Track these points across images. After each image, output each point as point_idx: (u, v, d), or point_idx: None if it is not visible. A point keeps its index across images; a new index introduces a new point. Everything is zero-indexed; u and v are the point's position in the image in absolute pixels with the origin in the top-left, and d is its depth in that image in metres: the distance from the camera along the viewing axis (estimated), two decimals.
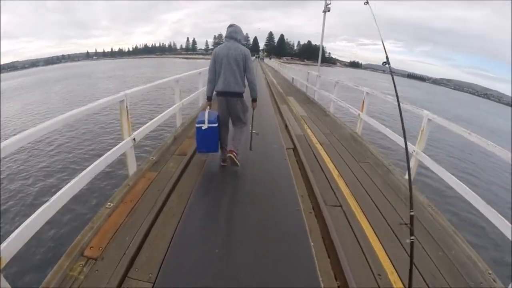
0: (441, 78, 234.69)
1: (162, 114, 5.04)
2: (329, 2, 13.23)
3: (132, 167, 3.86)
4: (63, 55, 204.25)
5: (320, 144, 5.50)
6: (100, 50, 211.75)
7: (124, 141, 3.59)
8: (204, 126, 3.77)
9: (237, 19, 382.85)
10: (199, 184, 3.61)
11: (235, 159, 3.72)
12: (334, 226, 2.71)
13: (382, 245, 2.61)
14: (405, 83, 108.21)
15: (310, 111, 8.69)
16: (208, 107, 3.92)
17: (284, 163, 4.41)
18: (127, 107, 3.56)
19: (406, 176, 3.71)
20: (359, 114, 6.50)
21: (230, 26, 3.72)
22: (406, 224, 1.73)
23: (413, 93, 57.87)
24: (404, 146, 1.96)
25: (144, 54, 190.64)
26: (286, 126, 6.56)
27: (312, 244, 2.56)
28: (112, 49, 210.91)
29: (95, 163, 2.97)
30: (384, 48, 2.32)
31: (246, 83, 3.77)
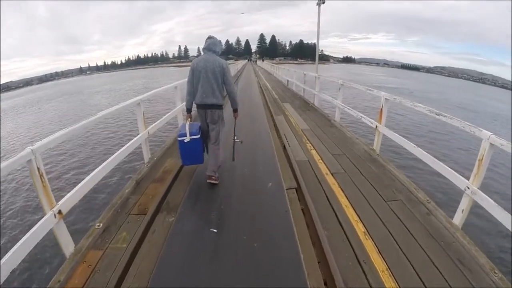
0: (435, 67, 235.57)
1: (110, 159, 3.55)
2: None
3: (67, 247, 2.60)
4: (56, 72, 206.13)
5: (332, 175, 4.14)
6: (93, 64, 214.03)
7: (46, 216, 2.36)
8: (186, 139, 3.75)
9: (228, 24, 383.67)
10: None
11: (215, 182, 3.80)
12: None
13: None
14: (401, 74, 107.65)
15: (311, 122, 7.33)
16: (189, 119, 3.92)
17: (285, 219, 3.04)
18: (39, 170, 2.31)
19: (455, 220, 3.07)
20: (376, 127, 5.16)
21: (209, 38, 3.74)
22: None
23: (411, 84, 56.68)
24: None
25: (137, 65, 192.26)
26: (284, 147, 5.24)
27: None
28: (105, 62, 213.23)
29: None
30: None
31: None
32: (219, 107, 3.76)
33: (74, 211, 5.38)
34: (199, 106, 3.73)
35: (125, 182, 4.35)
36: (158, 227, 2.93)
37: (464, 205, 3.05)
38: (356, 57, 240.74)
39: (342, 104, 7.04)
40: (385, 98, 4.92)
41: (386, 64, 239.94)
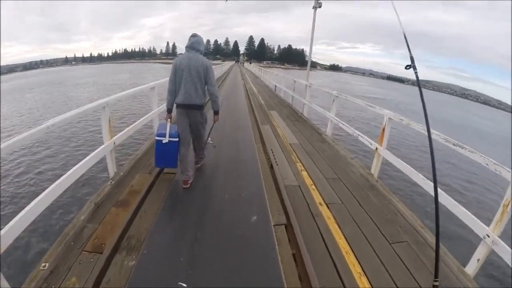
0: (420, 80, 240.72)
1: (64, 177, 2.89)
2: None
3: None
4: (41, 61, 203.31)
5: (327, 205, 3.53)
6: (79, 55, 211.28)
7: None
8: (165, 140, 3.63)
9: (219, 23, 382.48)
10: None
11: (187, 187, 3.73)
12: None
13: None
14: (386, 86, 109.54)
15: (301, 135, 6.74)
16: (169, 119, 3.77)
17: (273, 269, 2.40)
18: None
19: (468, 269, 2.67)
20: (376, 149, 4.62)
21: (193, 36, 3.66)
22: None
23: (396, 96, 57.45)
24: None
25: (123, 59, 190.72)
26: (271, 166, 4.63)
27: None
28: (91, 54, 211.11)
29: None
30: (409, 48, 2.30)
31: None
32: (201, 107, 3.70)
33: (16, 245, 4.47)
34: (180, 106, 3.61)
35: (84, 202, 3.64)
36: (113, 275, 2.25)
37: (480, 254, 2.65)
38: (343, 65, 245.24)
39: (336, 118, 6.49)
40: (389, 118, 4.40)
41: (371, 74, 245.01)
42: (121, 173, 4.06)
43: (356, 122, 17.04)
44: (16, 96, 28.67)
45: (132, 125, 4.71)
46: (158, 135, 3.67)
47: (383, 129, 4.52)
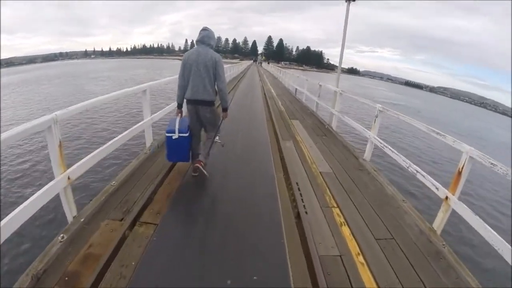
0: (438, 87, 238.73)
1: None
2: None
3: None
4: (61, 53, 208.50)
5: None
6: (98, 48, 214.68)
7: None
8: (175, 136, 3.57)
9: (237, 22, 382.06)
10: None
11: (203, 169, 3.65)
12: None
13: None
14: (405, 91, 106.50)
15: (332, 157, 5.28)
16: (179, 115, 3.72)
17: None
18: None
19: None
20: (446, 198, 3.13)
21: (204, 29, 3.51)
22: None
23: (415, 102, 55.10)
24: None
25: (142, 54, 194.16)
26: (298, 215, 3.23)
27: None
28: (110, 48, 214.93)
29: None
30: None
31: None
32: (211, 103, 3.59)
33: None
34: (189, 102, 3.55)
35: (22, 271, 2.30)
36: None
37: None
38: (361, 69, 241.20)
39: (380, 140, 4.97)
40: (470, 157, 2.96)
41: (389, 79, 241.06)
42: (82, 219, 2.74)
43: (400, 145, 13.76)
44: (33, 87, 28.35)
45: (106, 145, 3.40)
46: (168, 131, 3.61)
47: (459, 172, 3.06)
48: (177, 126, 3.57)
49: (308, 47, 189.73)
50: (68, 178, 2.70)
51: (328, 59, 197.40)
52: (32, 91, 25.10)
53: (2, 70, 68.55)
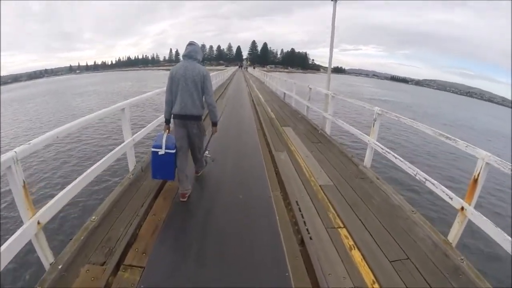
0: (424, 79, 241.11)
1: None
2: None
3: None
4: (46, 70, 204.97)
5: None
6: (83, 63, 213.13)
7: None
8: (161, 152, 3.51)
9: (222, 29, 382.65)
10: None
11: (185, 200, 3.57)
12: None
13: None
14: (392, 87, 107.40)
15: (331, 167, 4.96)
16: (167, 130, 3.64)
17: None
18: None
19: None
20: (462, 209, 2.84)
21: (190, 44, 3.50)
22: None
23: (402, 97, 55.34)
24: None
25: (127, 66, 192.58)
26: (302, 241, 2.89)
27: None
28: (95, 62, 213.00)
29: None
30: None
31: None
32: (199, 118, 3.58)
33: None
34: (177, 117, 3.48)
35: None
36: None
37: None
38: (346, 67, 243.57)
39: (381, 146, 4.66)
40: (486, 163, 2.68)
41: (375, 75, 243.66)
42: (60, 266, 2.37)
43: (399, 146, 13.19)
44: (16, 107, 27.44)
45: (81, 177, 3.02)
46: (154, 146, 3.56)
47: (476, 179, 2.78)
48: (164, 142, 3.51)
49: (292, 49, 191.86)
50: (38, 222, 2.33)
51: (313, 59, 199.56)
52: (17, 111, 24.33)
53: None
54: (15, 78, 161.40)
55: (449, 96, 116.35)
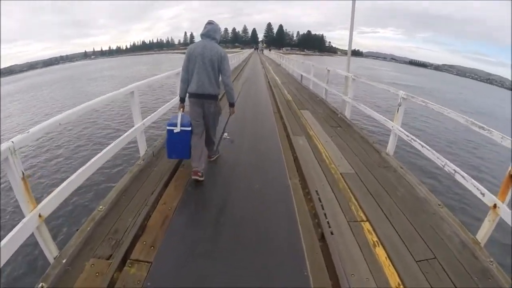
0: (443, 64, 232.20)
1: None
2: None
3: None
4: (61, 56, 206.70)
5: None
6: (98, 49, 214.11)
7: None
8: (176, 129, 3.48)
9: (236, 11, 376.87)
10: None
11: (198, 179, 3.45)
12: None
13: None
14: (410, 71, 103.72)
15: (352, 154, 4.67)
16: (181, 109, 3.65)
17: None
18: None
19: None
20: (495, 206, 2.52)
21: (209, 23, 3.43)
22: None
23: (423, 82, 53.32)
24: None
25: (142, 50, 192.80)
26: (322, 236, 2.66)
27: None
28: (110, 47, 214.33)
29: None
30: None
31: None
32: (216, 97, 3.48)
33: None
34: (193, 95, 3.41)
35: None
36: None
37: None
38: (364, 50, 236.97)
39: (405, 132, 4.30)
40: None
41: (393, 59, 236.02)
42: (64, 260, 2.24)
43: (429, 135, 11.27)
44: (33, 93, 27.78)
45: (85, 166, 2.85)
46: (169, 125, 3.51)
47: (511, 175, 2.47)
48: (179, 120, 3.47)
49: (308, 31, 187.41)
50: (40, 215, 2.18)
51: (329, 42, 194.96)
52: (33, 98, 24.59)
53: (2, 79, 67.42)
54: (31, 66, 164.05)
55: (469, 82, 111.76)
